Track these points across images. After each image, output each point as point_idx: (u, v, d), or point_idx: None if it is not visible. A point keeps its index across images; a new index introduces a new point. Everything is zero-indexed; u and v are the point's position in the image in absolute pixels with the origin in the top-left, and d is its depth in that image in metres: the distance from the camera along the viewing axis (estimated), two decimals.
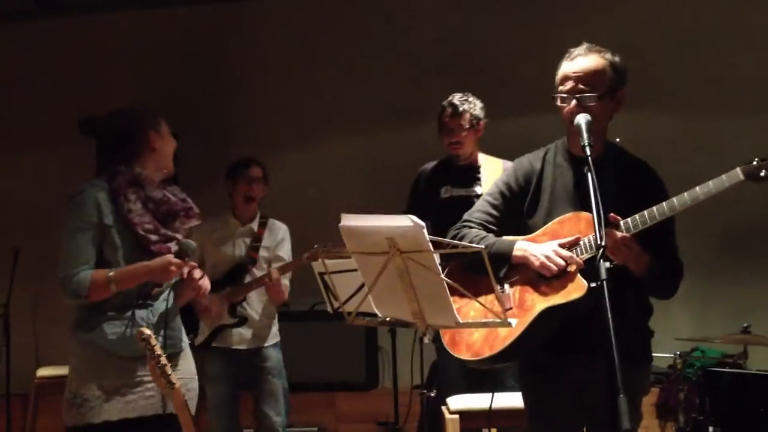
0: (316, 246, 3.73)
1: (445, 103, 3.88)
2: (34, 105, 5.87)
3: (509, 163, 3.79)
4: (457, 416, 3.38)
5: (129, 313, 2.62)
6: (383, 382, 5.30)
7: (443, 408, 3.54)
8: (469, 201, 3.74)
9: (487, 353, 2.38)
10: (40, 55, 6.03)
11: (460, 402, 3.46)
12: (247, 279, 4.01)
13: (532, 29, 5.50)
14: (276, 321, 4.12)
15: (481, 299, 2.36)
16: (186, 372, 2.73)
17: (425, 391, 3.94)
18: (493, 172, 3.81)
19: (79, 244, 2.56)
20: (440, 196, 3.85)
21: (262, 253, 4.05)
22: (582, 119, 2.29)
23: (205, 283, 2.79)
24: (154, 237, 2.60)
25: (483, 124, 3.89)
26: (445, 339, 2.49)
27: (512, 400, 3.21)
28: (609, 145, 2.48)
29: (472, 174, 3.87)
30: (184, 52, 5.91)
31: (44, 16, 6.03)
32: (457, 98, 3.86)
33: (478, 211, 2.57)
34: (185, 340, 2.81)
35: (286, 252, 4.10)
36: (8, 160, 5.86)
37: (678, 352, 4.36)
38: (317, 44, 5.80)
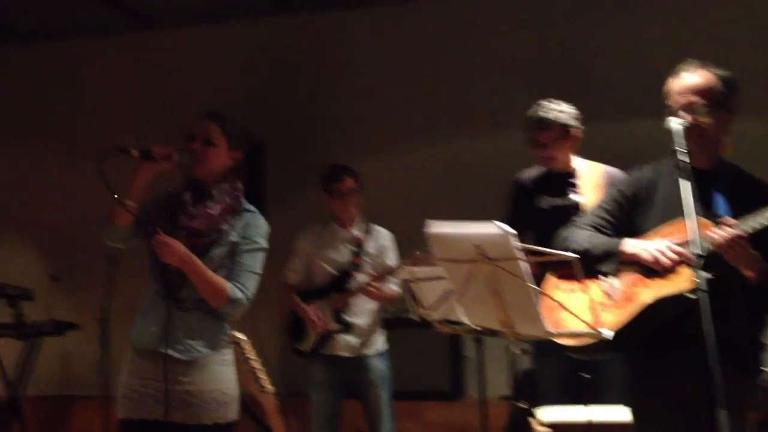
0: (417, 253, 3.72)
1: (531, 114, 3.67)
2: (125, 115, 6.07)
3: (611, 169, 3.66)
4: (548, 429, 3.29)
5: (152, 307, 2.74)
6: (469, 391, 5.25)
7: (532, 420, 3.47)
8: (567, 210, 3.57)
9: (588, 340, 2.33)
10: (128, 67, 6.25)
11: (551, 414, 3.37)
12: (352, 285, 4.04)
13: (620, 33, 5.37)
14: (383, 330, 4.13)
15: (585, 300, 2.32)
16: (203, 383, 2.71)
17: (514, 401, 3.87)
18: (592, 178, 3.63)
19: None
20: (538, 206, 3.71)
21: (366, 259, 4.09)
22: (676, 123, 2.30)
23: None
24: None
25: (576, 130, 3.67)
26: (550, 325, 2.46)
27: (611, 413, 3.11)
28: (726, 161, 2.47)
29: (568, 182, 3.68)
30: (272, 62, 6.03)
31: (132, 29, 6.24)
32: (543, 109, 3.65)
33: (591, 214, 2.60)
34: (203, 351, 2.75)
35: (391, 260, 4.10)
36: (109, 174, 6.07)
37: None
38: (404, 53, 5.81)
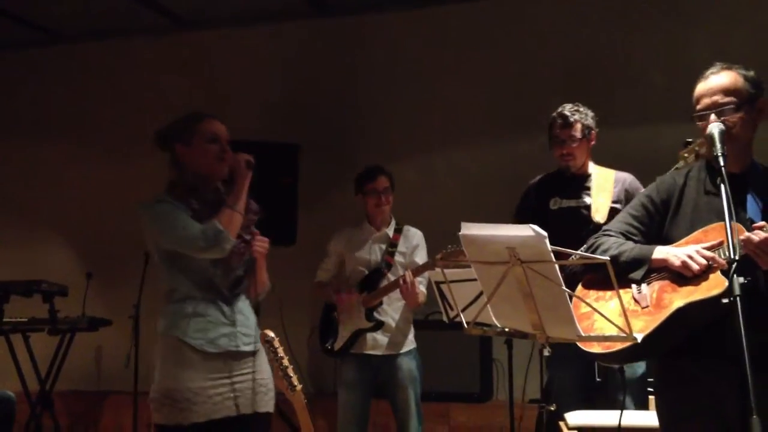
0: (450, 247, 3.72)
1: (555, 114, 3.79)
2: (163, 115, 6.10)
3: (622, 174, 3.77)
4: None
5: (211, 309, 2.71)
6: (497, 394, 5.24)
7: (561, 423, 3.46)
8: (578, 212, 3.70)
9: (618, 347, 2.31)
10: (166, 67, 6.33)
11: (579, 418, 3.37)
12: (383, 284, 4.08)
13: (658, 36, 5.33)
14: (412, 328, 4.16)
15: (615, 305, 2.32)
16: (263, 371, 2.79)
17: (544, 405, 3.86)
18: (603, 183, 3.73)
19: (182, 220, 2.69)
20: (549, 207, 3.77)
21: (398, 258, 4.13)
22: (715, 128, 2.29)
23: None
24: None
25: (595, 134, 3.79)
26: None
27: (638, 417, 3.11)
28: (757, 163, 2.45)
29: (581, 184, 3.77)
30: (307, 64, 6.06)
31: (170, 31, 6.33)
32: (567, 109, 3.77)
33: (618, 221, 2.58)
34: (258, 342, 2.83)
35: (422, 258, 4.14)
36: (146, 173, 6.14)
37: None
38: (439, 56, 5.82)
